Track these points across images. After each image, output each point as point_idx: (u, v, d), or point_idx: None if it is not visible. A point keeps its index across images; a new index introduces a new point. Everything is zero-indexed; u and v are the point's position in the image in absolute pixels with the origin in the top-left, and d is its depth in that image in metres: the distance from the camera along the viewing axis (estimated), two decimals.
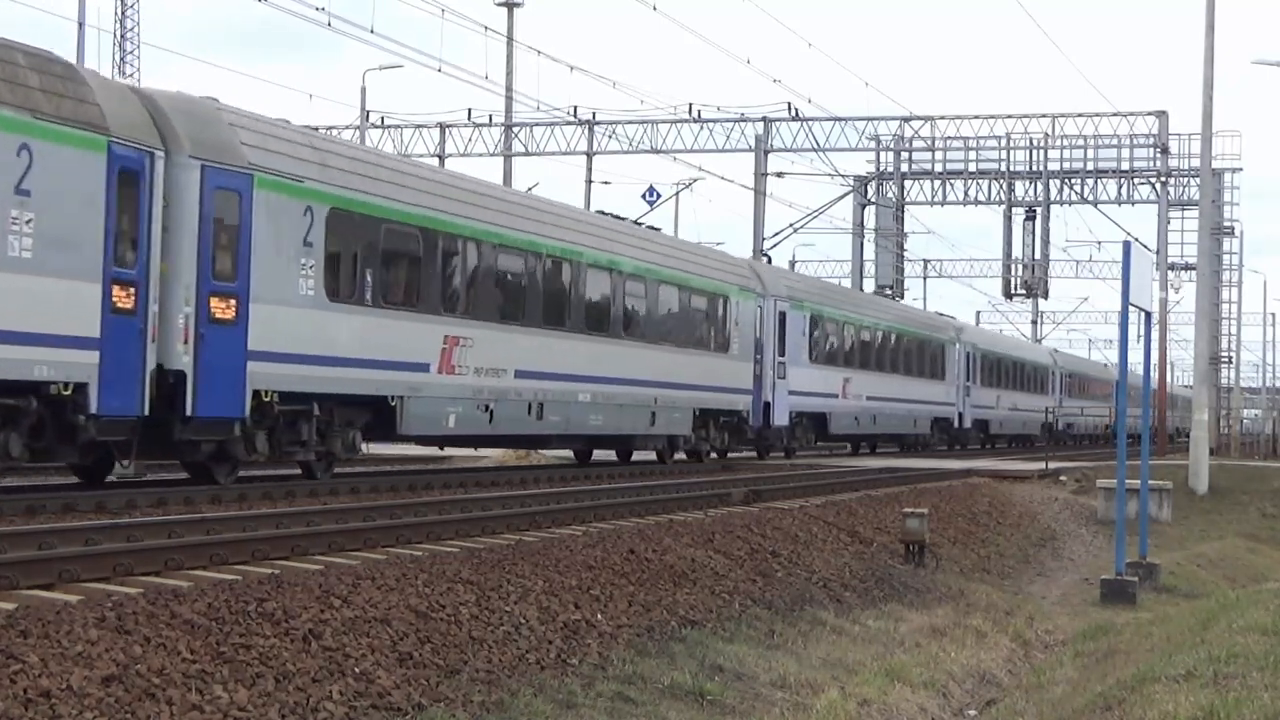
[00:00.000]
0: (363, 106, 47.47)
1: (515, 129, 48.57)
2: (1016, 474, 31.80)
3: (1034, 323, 79.46)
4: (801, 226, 49.97)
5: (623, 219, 28.69)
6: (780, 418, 32.64)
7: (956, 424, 48.16)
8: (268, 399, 17.40)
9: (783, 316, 33.06)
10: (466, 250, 21.56)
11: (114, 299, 15.31)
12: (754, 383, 31.44)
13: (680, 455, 30.22)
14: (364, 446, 20.29)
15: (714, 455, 31.41)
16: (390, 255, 19.88)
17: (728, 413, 30.45)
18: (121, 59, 64.63)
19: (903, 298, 57.04)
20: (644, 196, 49.21)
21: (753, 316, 31.63)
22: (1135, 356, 25.24)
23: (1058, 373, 64.57)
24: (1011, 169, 51.40)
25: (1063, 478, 32.46)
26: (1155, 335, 45.83)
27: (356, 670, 9.00)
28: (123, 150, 15.46)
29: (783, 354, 32.81)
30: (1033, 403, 58.13)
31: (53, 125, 14.66)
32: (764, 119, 48.17)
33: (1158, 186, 49.34)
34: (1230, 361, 64.17)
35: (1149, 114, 48.70)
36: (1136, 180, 49.94)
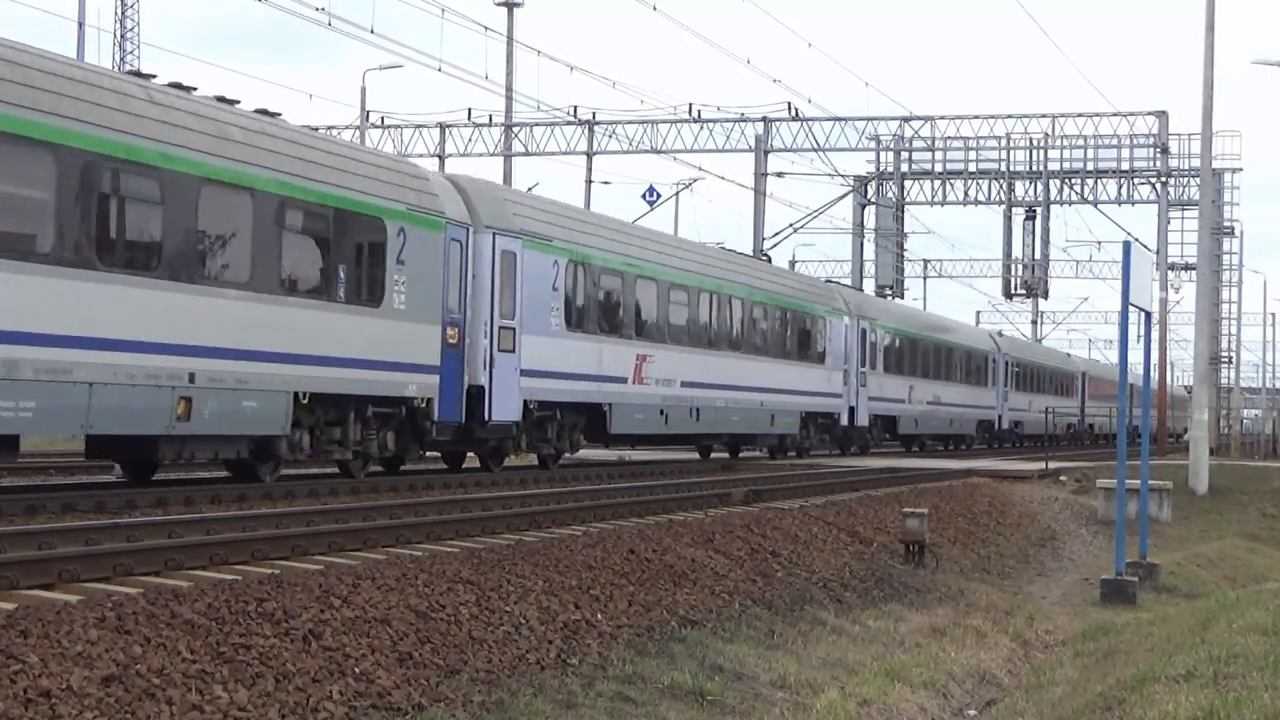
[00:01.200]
0: (363, 106, 47.49)
1: (515, 129, 48.59)
2: (1016, 474, 31.82)
3: (1034, 323, 79.47)
4: (801, 226, 50.02)
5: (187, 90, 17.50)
6: (505, 410, 22.33)
7: (845, 421, 37.55)
8: None
9: (510, 260, 22.50)
10: None
11: None
12: (445, 359, 20.98)
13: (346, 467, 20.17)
14: None
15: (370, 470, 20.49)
16: None
17: (385, 401, 20.13)
18: (121, 59, 64.60)
19: (902, 297, 56.92)
20: (644, 196, 49.25)
21: (440, 258, 20.92)
22: (1135, 356, 25.24)
23: (1001, 361, 54.41)
24: (1011, 169, 51.41)
25: (1063, 478, 32.47)
26: (1155, 335, 45.82)
27: (356, 670, 9.00)
28: None
29: (511, 317, 22.56)
30: (965, 396, 49.26)
31: None
32: (764, 119, 48.19)
33: (1158, 186, 49.34)
34: (1230, 361, 64.15)
35: (1149, 114, 48.72)
36: (1136, 180, 49.96)
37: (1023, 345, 63.35)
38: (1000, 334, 58.10)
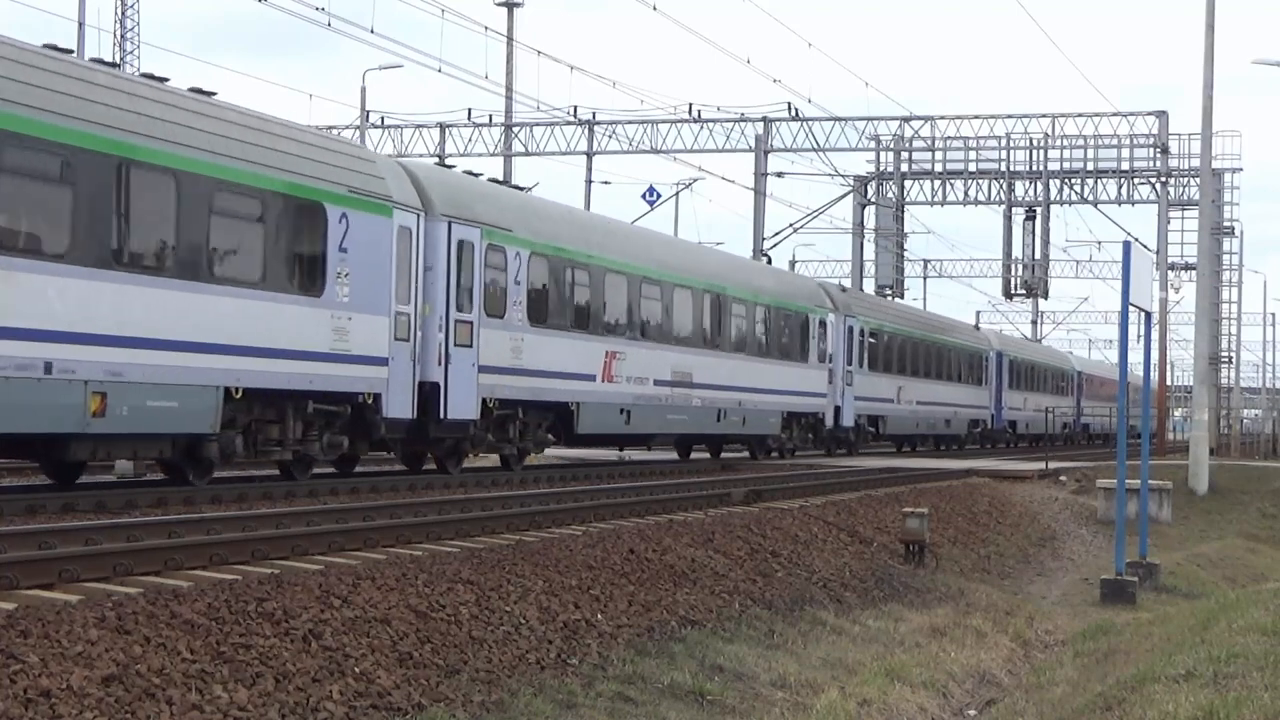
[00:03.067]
0: (363, 106, 47.50)
1: (515, 129, 48.62)
2: (1016, 474, 31.80)
3: (1034, 323, 79.48)
4: (801, 226, 49.95)
5: None
6: None
7: (400, 410, 19.85)
8: None
9: None
10: None
11: None
12: None
13: None
14: None
15: None
16: None
17: None
18: (121, 59, 64.57)
19: (902, 297, 56.83)
20: (644, 196, 49.26)
21: None
22: (1135, 356, 25.22)
23: (842, 328, 37.07)
24: (1011, 169, 51.40)
25: (1063, 478, 32.45)
26: (1155, 335, 45.79)
27: (356, 670, 9.00)
28: None
29: None
30: (761, 376, 32.01)
31: None
32: (764, 119, 48.20)
33: (1158, 186, 49.35)
34: (1230, 361, 64.09)
35: (1149, 114, 48.75)
36: (1136, 180, 49.96)
37: (888, 308, 44.93)
38: (844, 288, 42.08)
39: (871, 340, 39.09)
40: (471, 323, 21.38)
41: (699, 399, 29.13)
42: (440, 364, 20.65)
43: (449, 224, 21.02)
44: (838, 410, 36.59)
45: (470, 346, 21.33)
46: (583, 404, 24.69)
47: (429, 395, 20.46)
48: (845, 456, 36.40)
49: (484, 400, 21.73)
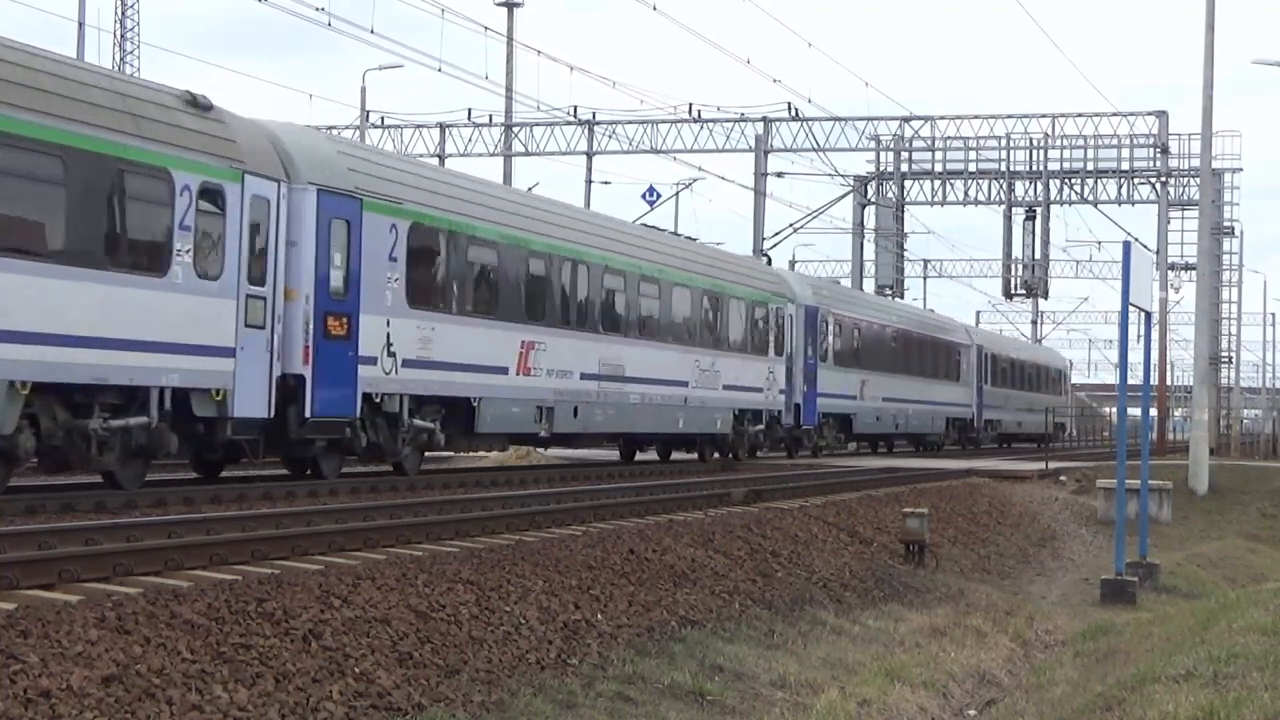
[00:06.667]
0: (363, 106, 47.51)
1: (515, 129, 48.63)
2: (1016, 474, 31.81)
3: (1034, 323, 79.45)
4: (801, 226, 50.04)
5: None
6: None
7: None
8: None
9: None
10: None
11: None
12: None
13: None
14: None
15: None
16: None
17: None
18: (121, 59, 64.53)
19: (902, 297, 56.84)
20: (644, 196, 49.23)
21: None
22: (1135, 357, 25.21)
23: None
24: (1011, 169, 51.40)
25: (1063, 478, 32.47)
26: (1155, 335, 45.77)
27: (356, 670, 9.00)
28: None
29: None
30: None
31: None
32: (764, 119, 48.21)
33: (1158, 186, 49.35)
34: (1230, 361, 64.03)
35: (1149, 114, 48.76)
36: (1136, 180, 49.97)
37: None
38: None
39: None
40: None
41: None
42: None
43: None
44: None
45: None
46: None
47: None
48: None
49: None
